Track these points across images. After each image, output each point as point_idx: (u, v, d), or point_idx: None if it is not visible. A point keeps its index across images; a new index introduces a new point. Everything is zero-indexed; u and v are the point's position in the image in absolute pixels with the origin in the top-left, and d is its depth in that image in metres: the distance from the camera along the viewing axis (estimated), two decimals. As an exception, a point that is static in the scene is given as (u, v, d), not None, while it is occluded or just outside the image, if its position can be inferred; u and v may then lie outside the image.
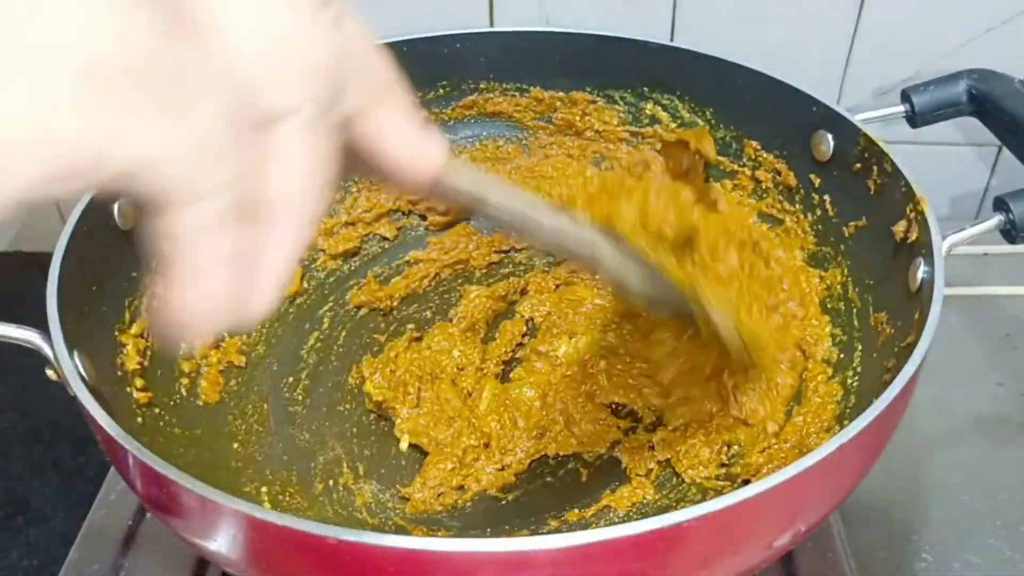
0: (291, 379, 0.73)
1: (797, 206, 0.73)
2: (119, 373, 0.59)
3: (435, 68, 0.79)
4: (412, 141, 0.32)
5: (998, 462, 0.70)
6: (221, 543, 0.45)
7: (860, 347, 0.64)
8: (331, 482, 0.67)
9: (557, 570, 0.41)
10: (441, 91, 0.80)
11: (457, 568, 0.41)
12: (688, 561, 0.45)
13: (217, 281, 0.25)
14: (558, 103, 0.80)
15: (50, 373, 0.51)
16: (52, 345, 0.49)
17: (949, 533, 0.65)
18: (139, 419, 0.58)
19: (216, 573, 0.64)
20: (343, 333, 0.77)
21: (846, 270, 0.68)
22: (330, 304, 0.78)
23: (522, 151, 0.82)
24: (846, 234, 0.68)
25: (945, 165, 0.91)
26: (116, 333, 0.60)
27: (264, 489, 0.63)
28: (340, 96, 0.28)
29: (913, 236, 0.59)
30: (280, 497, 0.63)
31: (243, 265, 0.26)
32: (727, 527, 0.44)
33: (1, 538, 0.74)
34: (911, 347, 0.55)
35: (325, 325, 0.77)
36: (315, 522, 0.40)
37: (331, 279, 0.79)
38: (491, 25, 0.79)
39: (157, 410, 0.61)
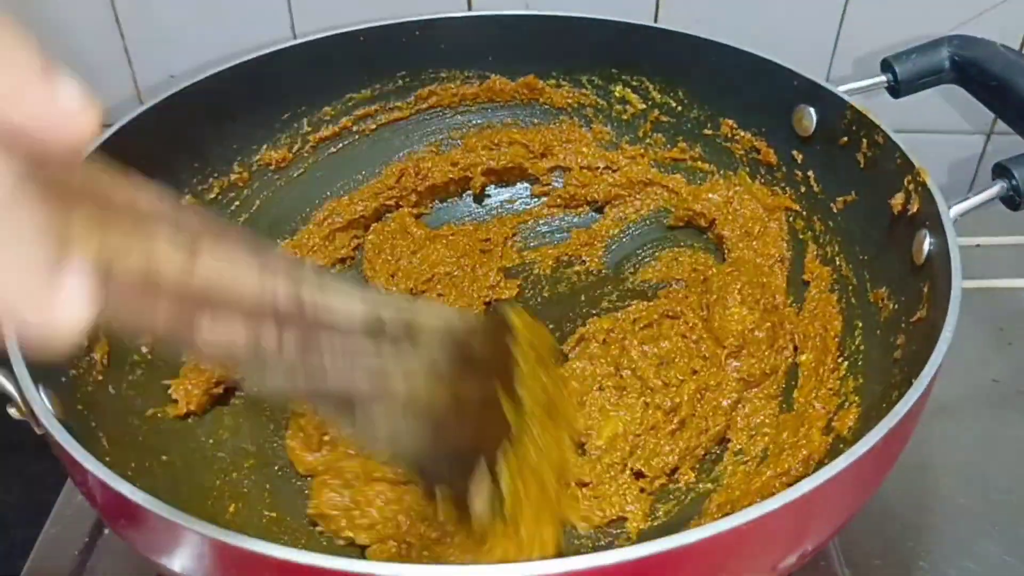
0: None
1: (779, 185, 0.71)
2: (81, 407, 0.54)
3: (393, 58, 0.75)
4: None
5: (994, 463, 0.67)
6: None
7: (860, 324, 0.63)
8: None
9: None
10: (400, 82, 0.76)
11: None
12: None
13: None
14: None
15: (12, 411, 0.46)
16: (16, 382, 0.44)
17: (945, 539, 0.62)
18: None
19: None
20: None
21: (837, 247, 0.67)
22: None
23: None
24: (834, 210, 0.67)
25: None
26: (77, 363, 0.55)
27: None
28: None
29: (914, 208, 0.57)
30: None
31: None
32: (729, 551, 0.40)
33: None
34: (924, 321, 0.54)
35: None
36: (274, 544, 0.37)
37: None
38: (469, 9, 0.75)
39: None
